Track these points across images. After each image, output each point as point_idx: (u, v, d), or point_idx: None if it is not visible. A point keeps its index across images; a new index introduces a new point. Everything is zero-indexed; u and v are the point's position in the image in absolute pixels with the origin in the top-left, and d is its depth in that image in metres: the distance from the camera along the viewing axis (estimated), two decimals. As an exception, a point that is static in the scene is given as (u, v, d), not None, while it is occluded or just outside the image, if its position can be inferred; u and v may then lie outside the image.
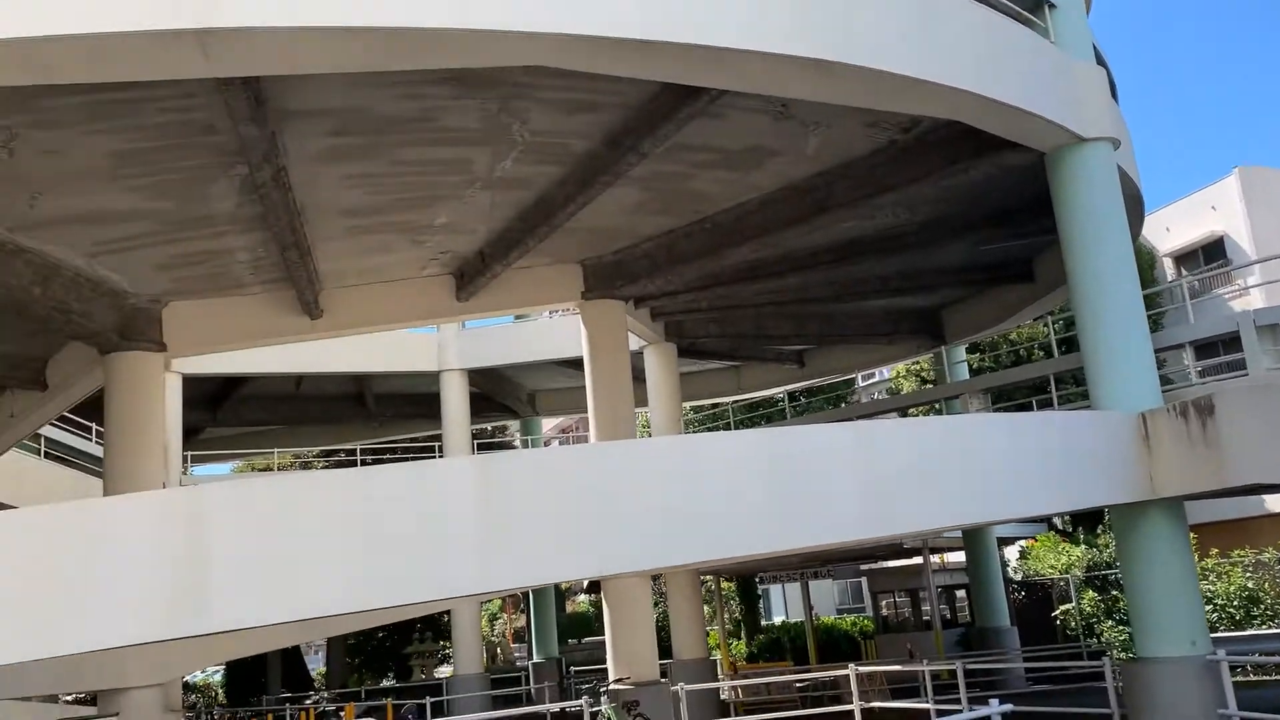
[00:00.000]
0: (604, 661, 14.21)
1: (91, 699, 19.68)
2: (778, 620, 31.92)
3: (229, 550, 5.80)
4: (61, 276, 10.72)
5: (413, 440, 27.45)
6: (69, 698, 24.12)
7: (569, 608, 38.00)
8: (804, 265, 13.98)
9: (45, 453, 19.70)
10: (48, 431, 18.97)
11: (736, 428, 27.28)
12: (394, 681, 28.30)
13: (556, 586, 28.66)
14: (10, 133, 7.98)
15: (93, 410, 16.98)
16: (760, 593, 30.00)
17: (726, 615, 25.61)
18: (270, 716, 20.55)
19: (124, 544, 5.66)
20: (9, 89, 6.88)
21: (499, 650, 34.95)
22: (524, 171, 10.40)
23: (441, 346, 21.65)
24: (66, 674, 10.19)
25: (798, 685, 16.52)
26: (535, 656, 25.02)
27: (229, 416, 23.65)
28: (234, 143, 8.51)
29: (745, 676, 17.59)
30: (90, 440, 21.48)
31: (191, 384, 20.08)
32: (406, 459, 25.63)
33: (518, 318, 22.76)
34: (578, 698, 12.69)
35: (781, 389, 24.66)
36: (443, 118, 9.00)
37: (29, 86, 6.85)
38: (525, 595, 27.45)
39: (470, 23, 6.22)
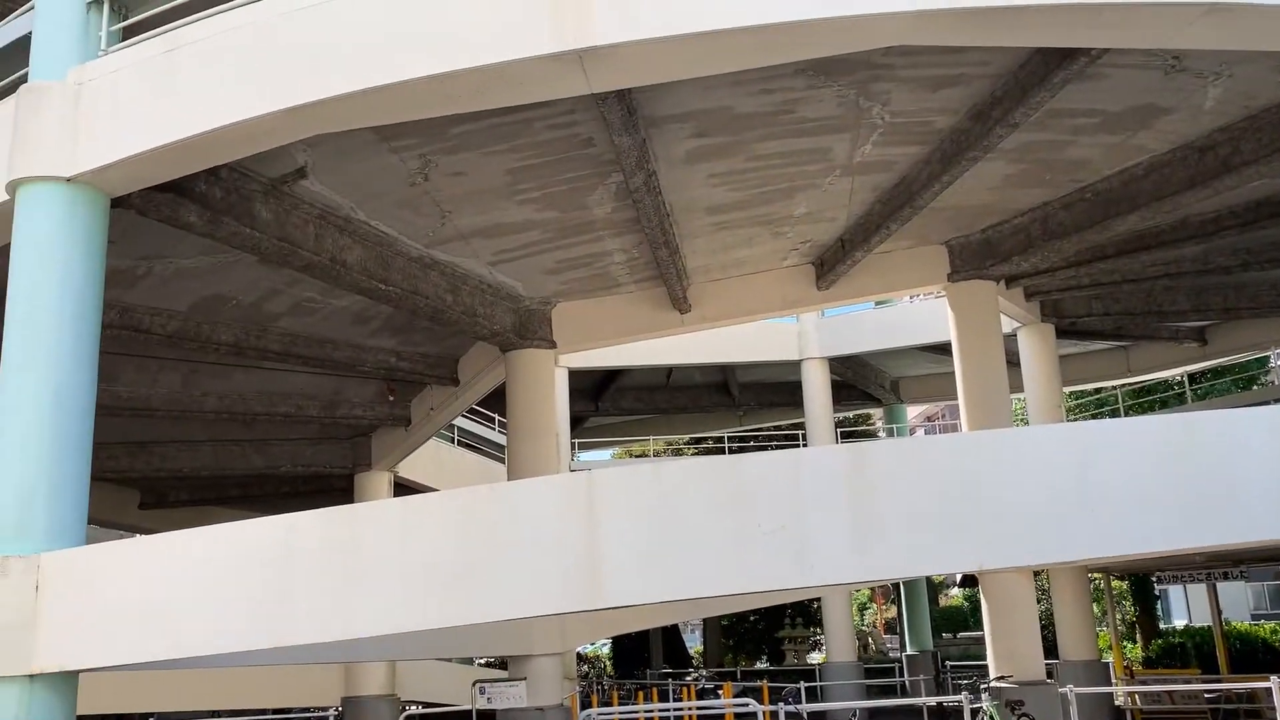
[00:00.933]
0: (980, 657, 13.67)
1: (501, 663, 21.97)
2: (1178, 624, 28.94)
3: (618, 531, 6.24)
4: (468, 285, 12.04)
5: (776, 429, 27.91)
6: (482, 661, 27.06)
7: (942, 601, 36.83)
8: (1204, 232, 12.56)
9: (457, 440, 22.23)
10: (459, 421, 21.36)
11: (1126, 414, 25.08)
12: (768, 664, 28.92)
13: (929, 579, 27.90)
14: (426, 160, 9.08)
15: (494, 402, 18.92)
16: (1158, 593, 27.38)
17: (1119, 616, 23.63)
18: (654, 691, 21.77)
19: (530, 524, 6.26)
20: (428, 122, 7.82)
21: (870, 640, 34.64)
22: (885, 154, 10.22)
23: (802, 335, 21.81)
24: (484, 640, 11.44)
25: (1206, 696, 14.93)
26: (908, 649, 24.54)
27: (609, 406, 25.39)
28: (610, 153, 9.12)
29: (1143, 682, 16.16)
30: (493, 429, 23.95)
31: (576, 377, 21.82)
32: (770, 448, 26.13)
33: (879, 303, 22.41)
34: (955, 693, 12.30)
35: (1179, 370, 22.35)
36: (800, 109, 9.07)
37: (440, 117, 7.74)
38: (896, 587, 27.01)
39: (829, 11, 6.22)
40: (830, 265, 13.00)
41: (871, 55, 8.00)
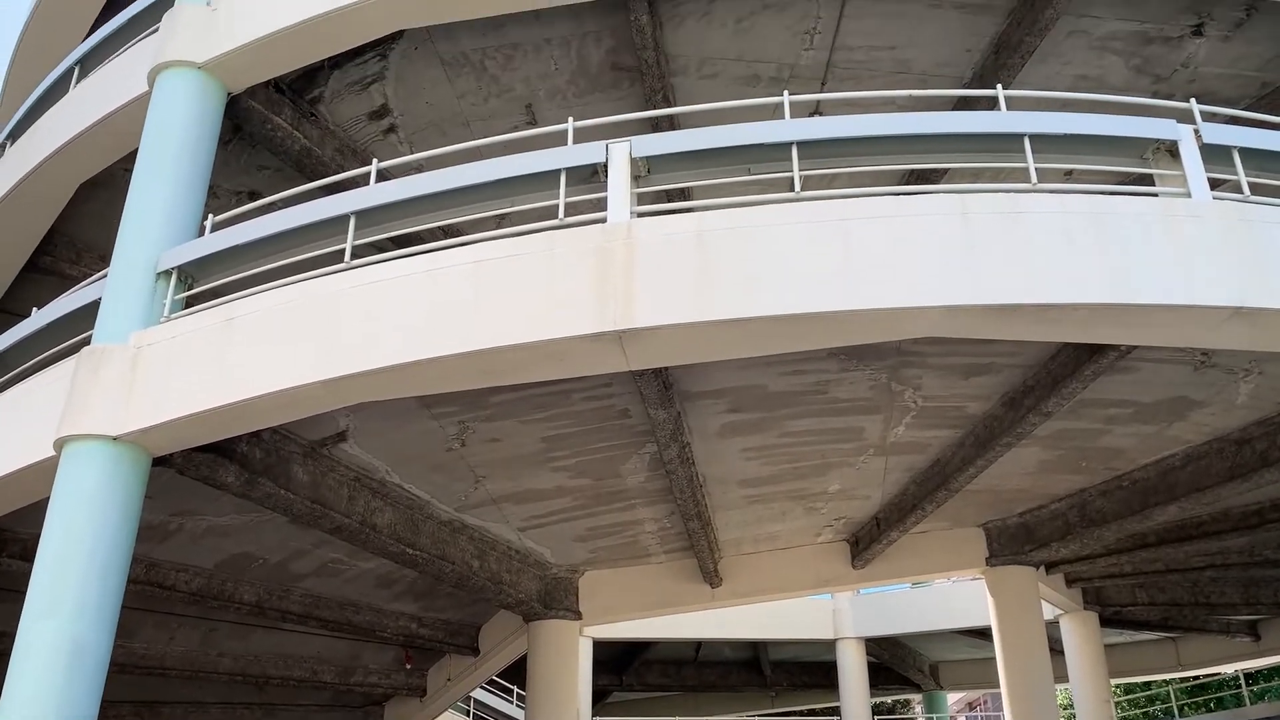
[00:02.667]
0: None
1: None
2: None
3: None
4: (496, 550, 11.92)
5: (810, 711, 26.52)
6: None
7: None
8: (1248, 524, 12.31)
9: (472, 714, 21.27)
10: (475, 692, 20.52)
11: (1179, 711, 23.62)
12: None
13: None
14: (464, 426, 9.24)
15: (513, 673, 18.21)
16: None
17: None
18: None
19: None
20: (470, 390, 8.03)
21: None
22: (918, 436, 10.28)
23: (836, 613, 21.17)
24: None
25: None
26: None
27: (633, 680, 24.34)
28: (645, 424, 9.26)
29: None
30: (511, 702, 22.93)
31: (600, 648, 21.07)
32: (805, 732, 24.69)
33: (916, 584, 21.85)
34: None
35: (1233, 666, 21.24)
36: (832, 389, 9.24)
37: (481, 388, 7.94)
38: None
39: (860, 304, 6.44)
40: (865, 544, 12.80)
41: (903, 342, 8.22)
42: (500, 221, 7.75)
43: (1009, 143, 6.89)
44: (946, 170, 8.83)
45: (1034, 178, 6.63)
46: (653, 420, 8.87)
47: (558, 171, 6.98)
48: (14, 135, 10.75)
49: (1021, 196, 6.49)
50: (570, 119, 7.49)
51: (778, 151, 6.93)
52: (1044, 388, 8.84)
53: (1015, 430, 9.45)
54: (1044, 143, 6.85)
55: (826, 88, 9.77)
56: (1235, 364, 8.81)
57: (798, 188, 6.67)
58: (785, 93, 7.53)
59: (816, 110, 9.70)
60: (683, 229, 6.59)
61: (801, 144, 6.86)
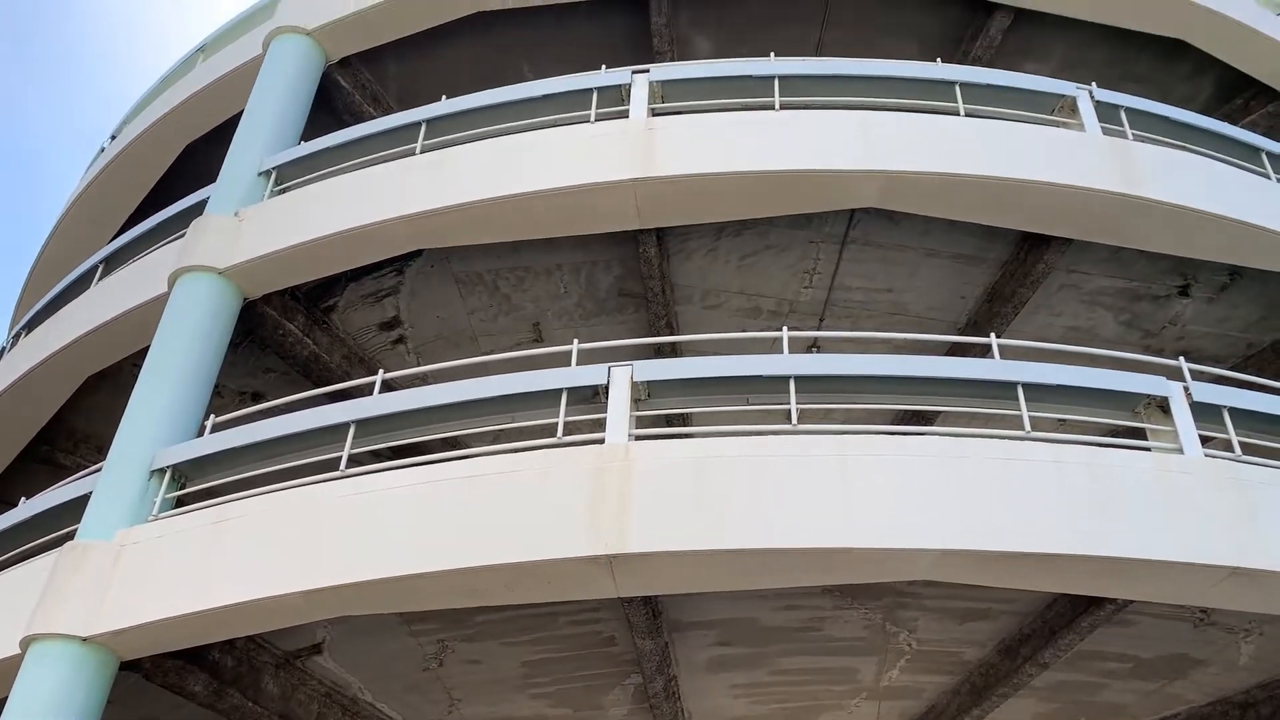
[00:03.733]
0: None
1: None
2: None
3: None
4: (466, 779, 11.27)
5: None
6: None
7: None
8: (1258, 795, 11.69)
9: None
10: None
11: None
12: None
13: None
14: (444, 646, 8.95)
15: None
16: None
17: None
18: None
19: None
20: (451, 610, 7.84)
21: None
22: (913, 680, 9.93)
23: None
24: None
25: None
26: None
27: None
28: (631, 653, 8.96)
29: None
30: None
31: None
32: None
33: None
34: None
35: None
36: (826, 627, 9.01)
37: (464, 608, 7.76)
38: None
39: (854, 541, 6.40)
40: (855, 794, 12.12)
41: (899, 582, 8.09)
42: (498, 435, 7.81)
43: (1003, 390, 7.05)
44: (940, 412, 8.98)
45: (1027, 425, 6.73)
46: (639, 650, 8.59)
47: (559, 390, 7.11)
48: (30, 326, 11.00)
49: (1016, 444, 6.57)
50: (575, 340, 7.69)
51: (776, 384, 7.09)
52: (1041, 637, 8.61)
53: (1011, 680, 9.13)
54: (1037, 391, 7.00)
55: (825, 324, 10.07)
56: (1235, 623, 8.62)
57: (794, 421, 6.76)
58: (784, 328, 7.78)
59: (814, 345, 9.96)
60: (680, 455, 6.64)
61: (799, 379, 7.02)
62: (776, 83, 8.96)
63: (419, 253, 9.23)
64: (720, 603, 8.52)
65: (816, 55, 9.98)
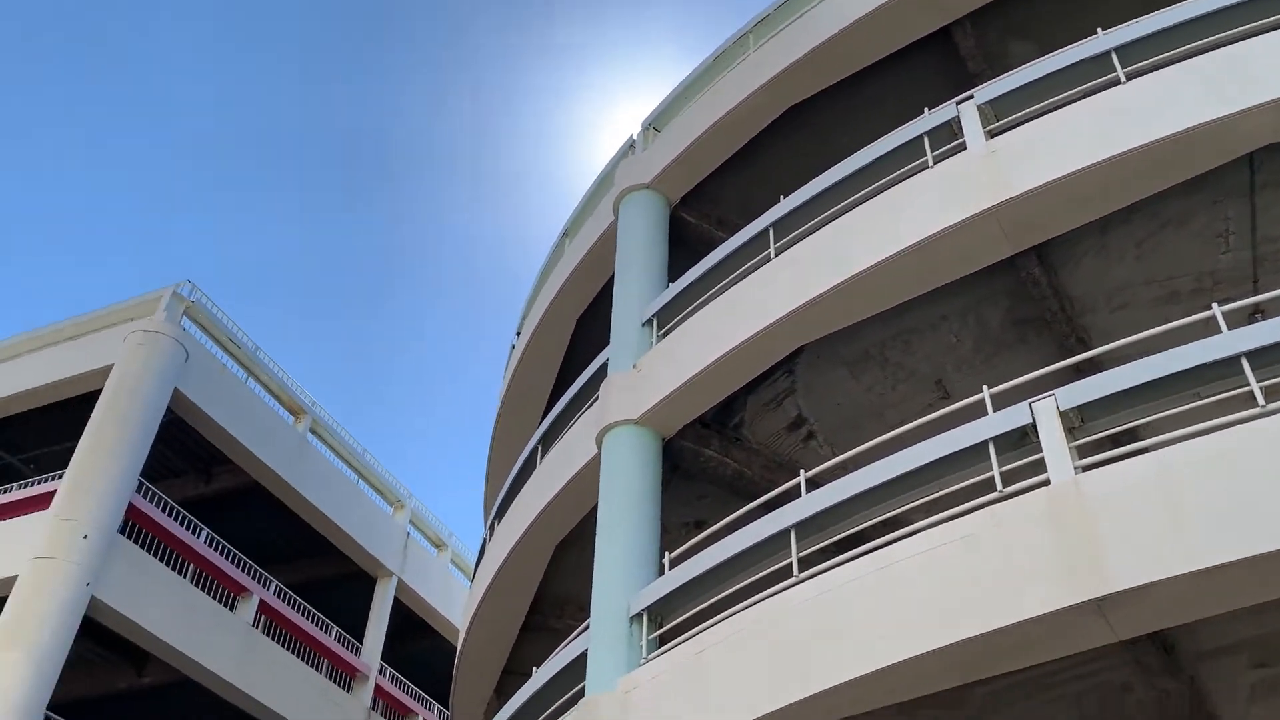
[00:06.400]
0: None
1: None
2: None
3: None
4: None
5: None
6: None
7: None
8: None
9: None
10: None
11: None
12: None
13: None
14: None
15: None
16: None
17: None
18: None
19: None
20: (948, 694, 7.60)
21: None
22: None
23: None
24: None
25: None
26: None
27: None
28: (1153, 695, 8.13)
29: None
30: None
31: None
32: None
33: None
34: None
35: None
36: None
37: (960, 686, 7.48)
38: None
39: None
40: None
41: None
42: (931, 506, 7.60)
43: None
44: None
45: None
46: (1160, 691, 7.78)
47: (984, 443, 6.82)
48: (499, 515, 12.45)
49: None
50: (984, 387, 7.38)
51: (1225, 368, 6.33)
52: None
53: None
54: None
55: (1260, 285, 8.89)
56: None
57: (1261, 403, 5.97)
58: (1214, 304, 6.97)
59: (1258, 312, 8.80)
60: (1138, 474, 6.08)
61: (1252, 353, 6.22)
62: (1114, 56, 8.31)
63: (801, 349, 9.39)
64: (1242, 620, 7.54)
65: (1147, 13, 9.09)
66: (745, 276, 9.51)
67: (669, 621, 8.06)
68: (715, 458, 9.99)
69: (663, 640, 8.03)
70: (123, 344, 15.71)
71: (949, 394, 9.88)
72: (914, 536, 6.63)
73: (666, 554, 8.49)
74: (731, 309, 9.31)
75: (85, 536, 13.56)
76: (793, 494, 8.03)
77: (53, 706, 12.77)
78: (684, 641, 7.53)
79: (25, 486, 15.10)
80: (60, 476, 14.42)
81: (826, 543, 7.44)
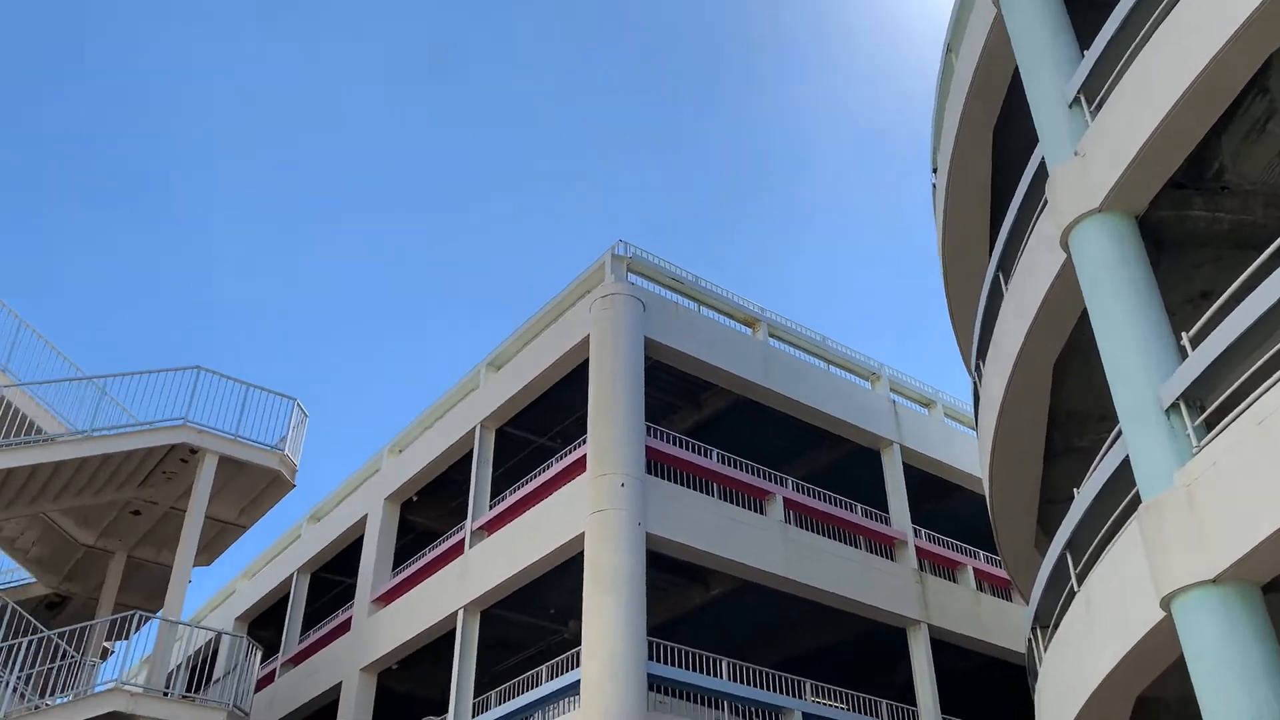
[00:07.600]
0: None
1: None
2: None
3: None
4: None
5: None
6: None
7: None
8: None
9: None
10: None
11: None
12: None
13: None
14: None
15: None
16: None
17: None
18: None
19: None
20: None
21: None
22: None
23: None
24: None
25: None
26: None
27: None
28: None
29: None
30: None
31: None
32: None
33: None
34: None
35: None
36: None
37: None
38: None
39: None
40: None
41: None
42: None
43: None
44: None
45: None
46: None
47: None
48: (980, 354, 12.04)
49: None
50: None
51: None
52: None
53: None
54: None
55: None
56: None
57: None
58: None
59: None
60: None
61: None
62: None
63: (1271, 59, 7.93)
64: None
65: None
66: (1174, 4, 8.22)
67: (1210, 403, 7.31)
68: (1203, 217, 8.86)
69: (1209, 425, 7.30)
70: (589, 314, 17.25)
71: None
72: None
73: (1184, 334, 7.69)
74: (1170, 45, 8.09)
75: (623, 485, 15.15)
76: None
77: (650, 631, 14.54)
78: (1237, 418, 6.78)
79: (561, 459, 17.19)
80: (584, 442, 16.22)
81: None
